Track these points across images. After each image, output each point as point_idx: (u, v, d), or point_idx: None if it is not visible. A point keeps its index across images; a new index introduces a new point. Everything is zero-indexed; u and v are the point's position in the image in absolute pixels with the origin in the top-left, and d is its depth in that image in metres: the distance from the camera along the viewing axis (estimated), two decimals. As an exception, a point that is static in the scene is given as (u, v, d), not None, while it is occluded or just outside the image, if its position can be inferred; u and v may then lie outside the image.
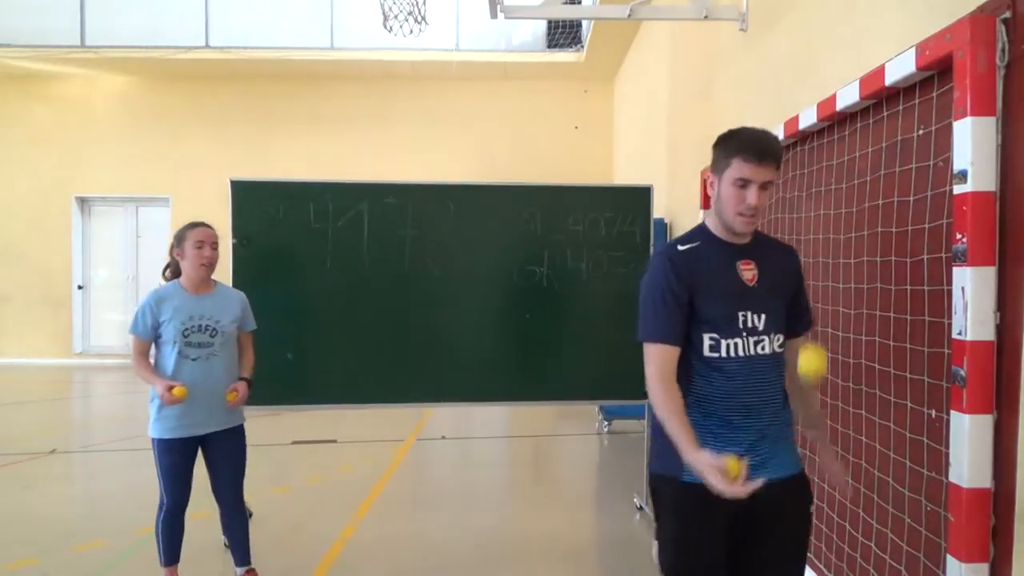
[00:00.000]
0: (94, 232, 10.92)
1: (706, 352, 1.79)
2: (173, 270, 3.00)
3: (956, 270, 1.98)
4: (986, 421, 1.94)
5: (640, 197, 4.00)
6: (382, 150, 10.46)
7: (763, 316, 1.79)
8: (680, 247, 1.82)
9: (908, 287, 2.33)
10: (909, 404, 2.28)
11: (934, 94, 2.21)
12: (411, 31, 6.51)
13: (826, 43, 3.16)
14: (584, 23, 9.52)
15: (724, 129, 1.84)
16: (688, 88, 5.86)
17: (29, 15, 9.94)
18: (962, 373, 1.94)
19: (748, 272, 1.80)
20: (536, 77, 10.65)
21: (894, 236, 2.42)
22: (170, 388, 2.69)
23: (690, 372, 1.81)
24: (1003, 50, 1.91)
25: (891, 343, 2.41)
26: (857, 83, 2.55)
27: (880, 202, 2.52)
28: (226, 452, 2.97)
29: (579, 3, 9.18)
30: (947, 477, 2.01)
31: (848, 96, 2.62)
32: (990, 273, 1.93)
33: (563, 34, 10.16)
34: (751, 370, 1.77)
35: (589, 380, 4.02)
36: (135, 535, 3.68)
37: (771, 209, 3.45)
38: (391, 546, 3.68)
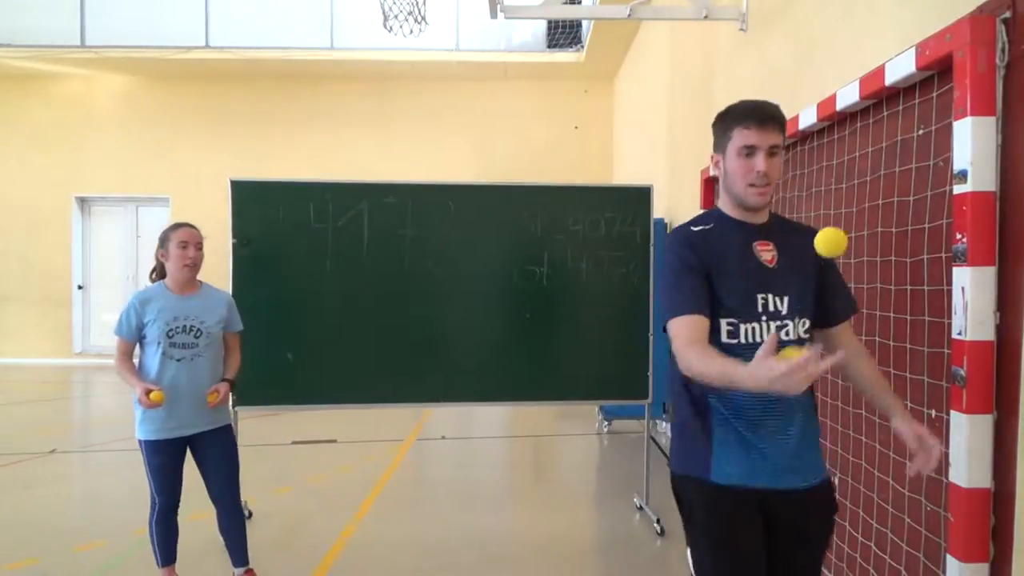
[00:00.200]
0: (94, 232, 10.92)
1: (724, 339, 1.64)
2: (159, 272, 3.00)
3: (956, 270, 1.98)
4: (986, 421, 1.94)
5: (640, 197, 4.00)
6: (382, 150, 10.46)
7: (785, 299, 1.66)
8: (694, 228, 1.72)
9: (908, 287, 2.33)
10: (909, 404, 2.28)
11: (934, 94, 2.21)
12: (411, 31, 6.51)
13: (826, 43, 3.15)
14: (584, 23, 9.52)
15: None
16: (688, 88, 5.86)
17: (29, 15, 9.94)
18: (962, 373, 1.94)
19: (767, 253, 1.68)
20: (536, 77, 10.65)
21: (894, 236, 2.42)
22: (148, 392, 2.68)
23: None
24: (1003, 50, 1.91)
25: (891, 343, 2.41)
26: (857, 83, 2.55)
27: (880, 202, 2.52)
28: (215, 453, 2.97)
29: (579, 3, 9.18)
30: (947, 477, 2.01)
31: (848, 96, 2.62)
32: (990, 273, 1.93)
33: (563, 34, 10.16)
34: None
35: (589, 380, 4.03)
36: (135, 535, 3.67)
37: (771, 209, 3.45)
38: (391, 546, 3.67)
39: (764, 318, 1.65)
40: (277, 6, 10.26)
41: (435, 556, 3.54)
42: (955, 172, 2.00)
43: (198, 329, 2.91)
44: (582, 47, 9.86)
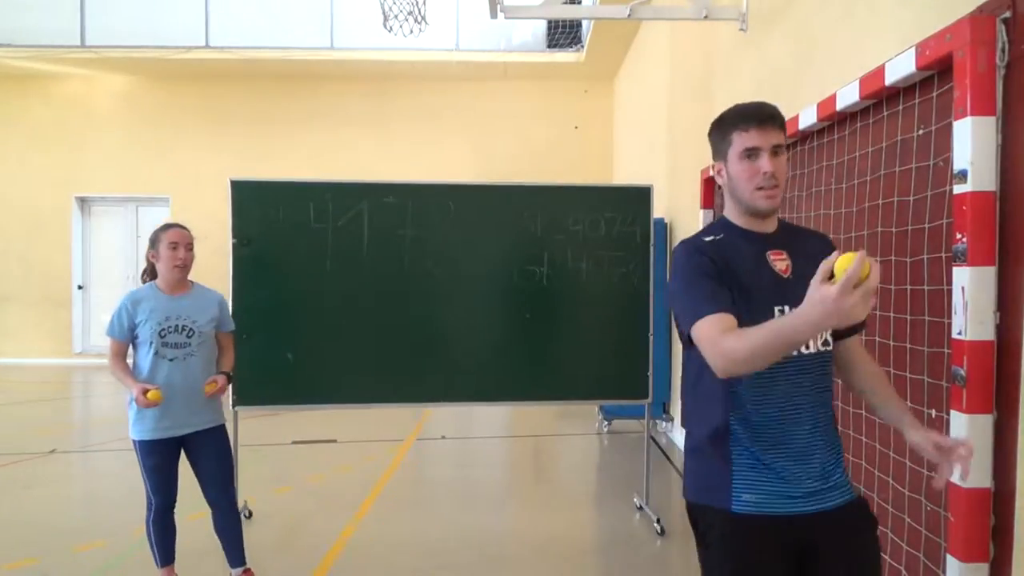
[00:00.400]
0: (94, 232, 10.92)
1: None
2: (150, 272, 3.00)
3: (956, 270, 1.98)
4: (986, 421, 1.94)
5: (640, 197, 4.00)
6: (382, 150, 10.46)
7: None
8: (705, 238, 1.63)
9: (908, 287, 2.33)
10: (909, 404, 2.28)
11: (934, 94, 2.21)
12: (411, 31, 6.51)
13: (826, 43, 3.15)
14: (584, 23, 9.52)
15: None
16: (688, 88, 5.86)
17: (29, 15, 9.94)
18: (962, 373, 1.94)
19: (781, 262, 1.59)
20: (536, 77, 10.65)
21: (894, 236, 2.42)
22: (145, 392, 2.68)
23: (728, 385, 1.55)
24: (1003, 50, 1.91)
25: (891, 343, 2.41)
26: (857, 83, 2.55)
27: (880, 202, 2.52)
28: (209, 453, 2.96)
29: (579, 3, 9.17)
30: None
31: (848, 96, 2.62)
32: (990, 273, 1.93)
33: (563, 34, 10.16)
34: (790, 371, 1.53)
35: (589, 380, 4.03)
36: (135, 535, 3.67)
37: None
38: (391, 546, 3.67)
39: None
40: (277, 6, 10.25)
41: (435, 556, 3.54)
42: (955, 172, 2.00)
43: (190, 329, 2.91)
44: (582, 47, 9.86)
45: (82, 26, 10.01)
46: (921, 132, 2.30)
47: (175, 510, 2.97)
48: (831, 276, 1.19)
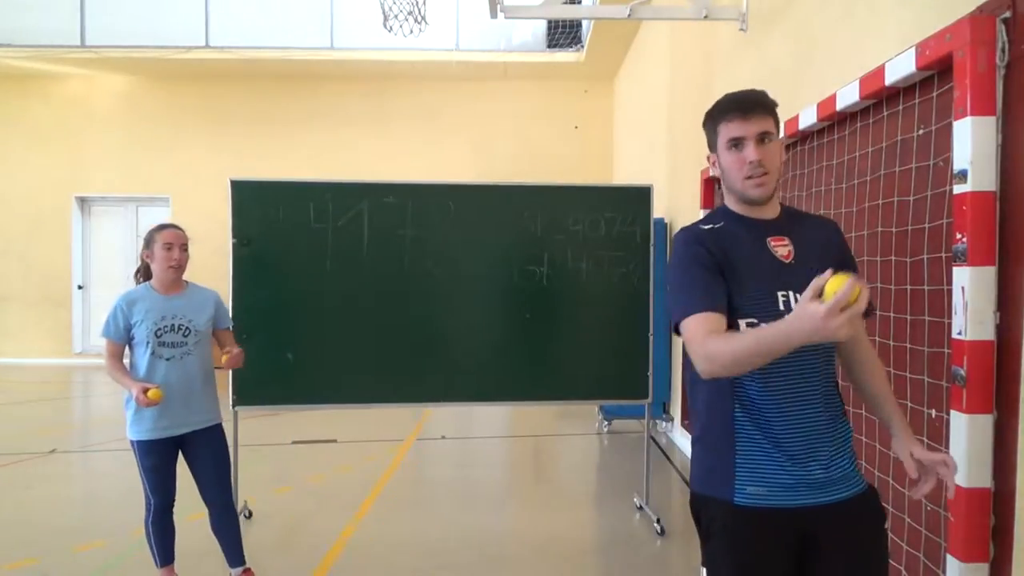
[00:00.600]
0: (94, 232, 10.92)
1: None
2: (144, 273, 3.01)
3: (956, 270, 1.98)
4: (986, 421, 1.94)
5: (640, 197, 3.99)
6: (382, 150, 10.46)
7: None
8: (704, 226, 1.63)
9: (908, 287, 2.33)
10: (909, 404, 2.28)
11: (934, 94, 2.21)
12: (411, 31, 6.51)
13: (826, 43, 3.15)
14: (584, 23, 9.52)
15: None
16: (688, 88, 5.86)
17: (29, 15, 9.94)
18: (962, 373, 1.94)
19: (782, 248, 1.59)
20: (536, 77, 10.65)
21: (894, 236, 2.42)
22: (145, 390, 2.68)
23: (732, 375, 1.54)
24: (1003, 50, 1.91)
25: (891, 343, 2.41)
26: (857, 83, 2.55)
27: (880, 202, 2.52)
28: (206, 452, 2.96)
29: (579, 3, 9.17)
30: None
31: (848, 96, 2.62)
32: (990, 273, 1.93)
33: (563, 34, 10.16)
34: (795, 359, 1.50)
35: (589, 380, 4.03)
36: (135, 535, 3.67)
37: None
38: (391, 546, 3.67)
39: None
40: (277, 6, 10.25)
41: (435, 556, 3.54)
42: (955, 172, 2.00)
43: (187, 328, 2.91)
44: (582, 47, 9.86)
45: (82, 26, 10.01)
46: (921, 132, 2.30)
47: (174, 510, 2.97)
48: (821, 293, 1.21)
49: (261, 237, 3.81)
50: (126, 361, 2.91)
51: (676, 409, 6.02)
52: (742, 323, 1.52)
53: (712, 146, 1.64)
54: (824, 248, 1.62)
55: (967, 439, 1.93)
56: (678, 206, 6.04)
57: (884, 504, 2.44)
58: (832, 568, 1.53)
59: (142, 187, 10.59)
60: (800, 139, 3.23)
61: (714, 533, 1.57)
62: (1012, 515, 1.88)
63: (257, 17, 10.18)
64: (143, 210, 10.87)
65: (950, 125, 2.05)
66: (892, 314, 2.42)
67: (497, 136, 10.61)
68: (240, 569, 3.05)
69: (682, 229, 1.65)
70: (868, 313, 1.63)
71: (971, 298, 1.92)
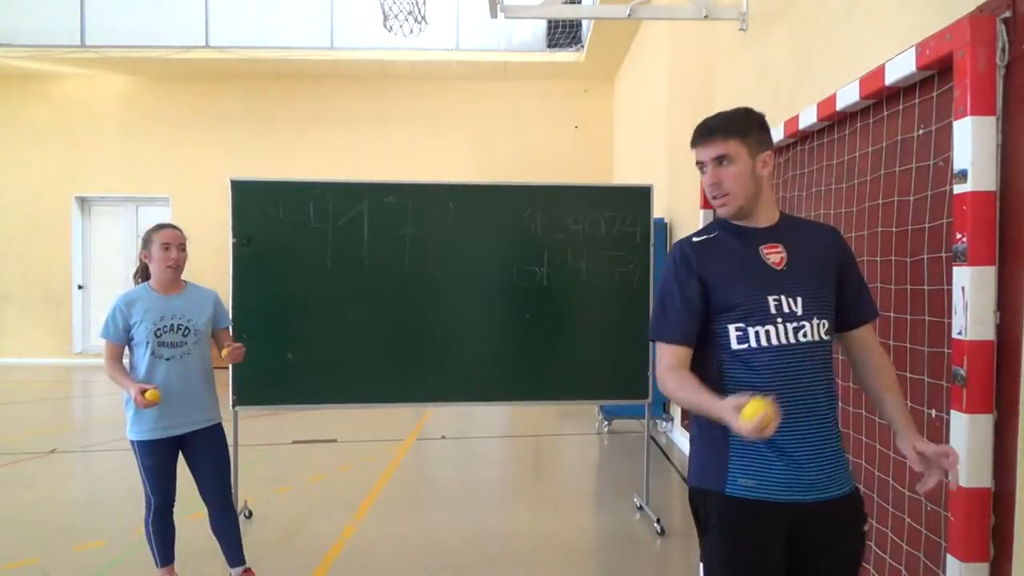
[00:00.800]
0: (94, 232, 10.92)
1: (734, 345, 1.60)
2: (142, 273, 3.00)
3: (956, 270, 1.98)
4: (986, 421, 1.94)
5: (640, 197, 3.99)
6: (382, 150, 10.46)
7: (799, 299, 1.60)
8: (695, 239, 1.73)
9: (908, 287, 2.33)
10: (909, 404, 2.28)
11: (934, 94, 2.21)
12: (411, 31, 6.51)
13: (826, 43, 3.15)
14: (584, 23, 9.52)
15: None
16: (688, 88, 5.86)
17: (29, 15, 9.94)
18: (962, 373, 1.94)
19: (774, 255, 1.65)
20: (536, 77, 10.65)
21: (894, 236, 2.42)
22: (143, 391, 2.68)
23: (722, 375, 1.62)
24: (1003, 50, 1.91)
25: (891, 343, 2.41)
26: (857, 83, 2.55)
27: (880, 202, 2.52)
28: (206, 452, 2.96)
29: (579, 3, 9.17)
30: (947, 477, 2.00)
31: (848, 96, 2.62)
32: (990, 273, 1.93)
33: (563, 34, 10.16)
34: (788, 362, 1.58)
35: (589, 380, 4.03)
36: (135, 535, 3.67)
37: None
38: (391, 546, 3.67)
39: (779, 320, 1.59)
40: (277, 6, 10.25)
41: (435, 556, 3.54)
42: (955, 172, 2.00)
43: (186, 328, 2.91)
44: (582, 47, 9.86)
45: (82, 26, 10.01)
46: (921, 132, 2.30)
47: (174, 510, 2.97)
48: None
49: (261, 237, 3.81)
50: (126, 361, 2.91)
51: (676, 409, 6.02)
52: (731, 328, 1.61)
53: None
54: (822, 253, 1.69)
55: (967, 439, 1.93)
56: (678, 206, 6.04)
57: (884, 504, 2.45)
58: (818, 563, 1.61)
59: (142, 187, 10.59)
60: (800, 139, 3.22)
61: (711, 525, 1.63)
62: (1012, 515, 1.88)
63: (257, 17, 10.18)
64: (143, 210, 10.87)
65: (950, 125, 2.05)
66: (892, 314, 2.42)
67: (497, 136, 10.61)
68: (240, 569, 3.05)
69: (676, 242, 1.78)
70: (873, 315, 1.76)
71: (971, 298, 1.92)
